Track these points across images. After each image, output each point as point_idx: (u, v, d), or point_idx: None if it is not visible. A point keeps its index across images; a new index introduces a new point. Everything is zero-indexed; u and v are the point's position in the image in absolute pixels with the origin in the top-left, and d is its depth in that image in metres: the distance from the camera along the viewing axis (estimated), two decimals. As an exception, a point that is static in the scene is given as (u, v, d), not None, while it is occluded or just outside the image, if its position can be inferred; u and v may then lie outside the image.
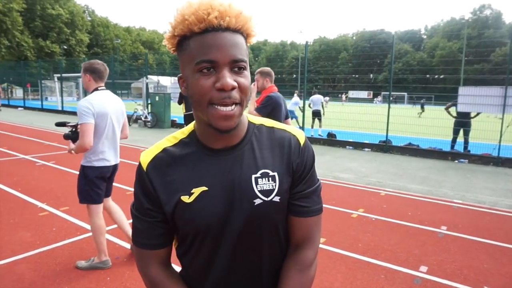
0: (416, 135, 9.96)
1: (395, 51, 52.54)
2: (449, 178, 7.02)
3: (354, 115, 11.50)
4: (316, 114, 12.73)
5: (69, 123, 3.18)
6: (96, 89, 3.03)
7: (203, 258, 0.93)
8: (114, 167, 3.21)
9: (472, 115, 9.38)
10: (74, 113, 19.44)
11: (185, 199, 0.87)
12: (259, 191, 0.88)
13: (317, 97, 12.98)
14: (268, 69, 4.17)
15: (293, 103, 13.61)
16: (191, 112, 9.59)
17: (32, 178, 6.09)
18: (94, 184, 3.04)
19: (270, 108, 3.92)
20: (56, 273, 3.05)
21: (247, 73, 0.83)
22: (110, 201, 3.38)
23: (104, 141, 3.02)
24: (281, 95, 4.08)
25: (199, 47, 0.79)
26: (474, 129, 9.37)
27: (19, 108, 23.18)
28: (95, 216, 3.09)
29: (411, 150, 9.74)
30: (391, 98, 10.50)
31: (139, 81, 19.95)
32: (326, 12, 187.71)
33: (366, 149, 10.30)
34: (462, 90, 9.19)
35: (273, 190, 0.89)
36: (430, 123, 10.00)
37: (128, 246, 3.60)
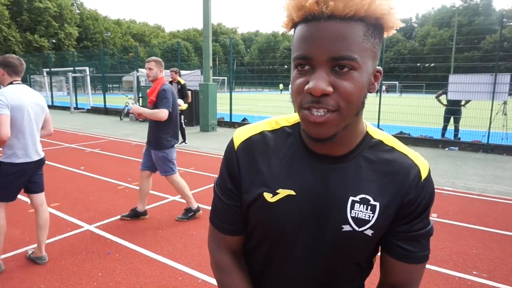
0: (408, 124, 10.01)
1: (387, 40, 52.50)
2: (439, 166, 7.09)
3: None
4: None
5: None
6: (11, 83, 2.95)
7: (263, 264, 0.86)
8: (37, 163, 3.04)
9: (463, 103, 9.44)
10: (64, 108, 19.23)
11: (268, 197, 0.79)
12: (352, 217, 0.76)
13: None
14: (160, 59, 4.05)
15: None
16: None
17: (22, 175, 6.02)
18: (8, 181, 2.90)
19: (171, 101, 3.90)
20: (47, 270, 3.03)
21: (356, 74, 0.65)
22: (40, 200, 3.17)
23: (22, 136, 2.90)
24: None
25: (297, 39, 0.67)
26: (464, 116, 9.44)
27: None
28: None
29: (403, 139, 9.78)
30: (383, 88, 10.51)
31: (130, 75, 19.76)
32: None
33: (358, 139, 10.33)
34: (452, 78, 9.23)
35: (369, 221, 0.76)
36: (421, 111, 10.05)
37: (123, 242, 3.59)
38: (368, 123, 0.83)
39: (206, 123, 11.41)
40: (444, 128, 9.68)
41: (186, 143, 9.04)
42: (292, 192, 0.78)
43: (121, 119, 14.84)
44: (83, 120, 14.76)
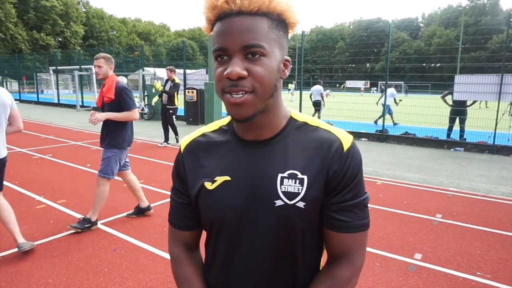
0: (413, 124, 9.97)
1: (392, 40, 52.26)
2: (444, 167, 7.07)
3: (351, 104, 11.49)
4: (316, 105, 12.60)
5: None
6: None
7: (220, 251, 0.90)
8: (1, 161, 2.99)
9: (468, 103, 9.39)
10: (70, 106, 19.35)
11: (208, 185, 0.87)
12: (282, 192, 0.82)
13: (316, 88, 12.72)
14: (110, 55, 3.88)
15: (389, 96, 11.97)
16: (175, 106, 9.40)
17: (29, 171, 6.10)
18: None
19: (133, 98, 3.82)
20: (54, 265, 3.08)
21: (266, 60, 0.75)
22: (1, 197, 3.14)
23: None
24: None
25: (215, 35, 0.77)
26: (470, 117, 9.40)
27: (15, 101, 23.04)
28: None
29: (408, 139, 9.77)
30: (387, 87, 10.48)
31: (135, 73, 19.85)
32: (323, 1, 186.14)
33: (363, 139, 10.33)
34: (458, 78, 9.18)
35: (298, 194, 0.81)
36: (427, 111, 10.01)
37: (129, 239, 3.63)
38: (292, 109, 0.92)
39: (211, 121, 11.44)
40: (450, 129, 9.64)
41: (177, 143, 9.09)
42: (227, 178, 0.86)
43: (126, 117, 14.88)
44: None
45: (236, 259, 0.88)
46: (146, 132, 10.83)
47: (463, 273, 3.06)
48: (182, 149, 0.95)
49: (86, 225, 3.78)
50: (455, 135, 9.55)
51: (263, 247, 0.85)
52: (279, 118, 0.86)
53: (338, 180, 0.82)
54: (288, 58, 0.84)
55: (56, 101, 20.95)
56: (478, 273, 3.08)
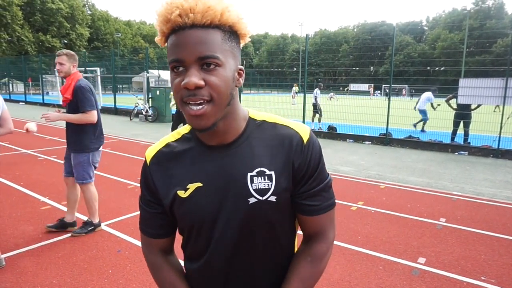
0: (417, 128, 9.94)
1: (396, 43, 52.16)
2: (448, 170, 7.04)
3: (355, 108, 11.49)
4: (314, 107, 12.57)
5: None
6: None
7: (199, 253, 0.94)
8: None
9: (473, 107, 9.36)
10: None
11: (181, 193, 0.90)
12: (254, 189, 0.87)
13: (314, 91, 12.67)
14: (73, 52, 3.65)
15: (424, 100, 11.98)
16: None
17: (34, 173, 6.14)
18: None
19: (93, 98, 3.57)
20: (59, 266, 3.10)
21: (221, 70, 0.78)
22: None
23: None
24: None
25: (170, 47, 0.79)
26: (474, 121, 9.36)
27: (21, 103, 23.22)
28: None
29: (411, 143, 9.75)
30: (392, 91, 10.47)
31: (140, 75, 19.96)
32: (327, 4, 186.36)
33: (367, 142, 10.31)
34: (462, 82, 9.16)
35: (269, 189, 0.87)
36: (431, 115, 9.98)
37: (133, 240, 3.64)
38: (251, 109, 0.95)
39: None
40: (454, 133, 9.61)
41: None
42: (199, 184, 0.89)
43: (130, 119, 14.98)
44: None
45: (213, 256, 0.92)
46: (150, 134, 10.87)
47: (467, 278, 3.05)
48: (148, 161, 0.96)
49: (89, 229, 3.76)
50: (459, 139, 9.52)
51: (241, 243, 0.90)
52: (238, 122, 0.90)
53: (304, 172, 0.90)
54: (242, 67, 0.87)
55: (61, 103, 21.05)
56: (483, 278, 3.06)
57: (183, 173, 0.91)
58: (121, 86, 36.76)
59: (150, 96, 14.88)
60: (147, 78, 15.53)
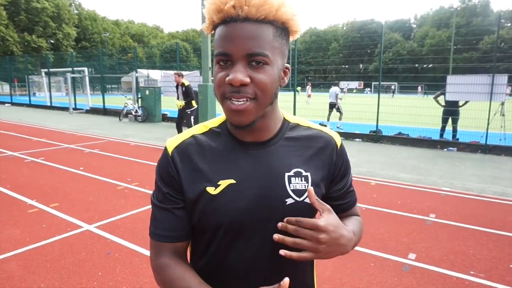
0: (406, 124, 10.03)
1: (385, 41, 52.50)
2: (438, 166, 7.12)
3: (346, 105, 11.54)
4: (332, 106, 12.59)
5: None
6: None
7: (225, 253, 0.88)
8: None
9: (460, 103, 9.47)
10: (63, 109, 19.21)
11: (211, 190, 0.83)
12: (292, 190, 0.85)
13: (332, 90, 12.76)
14: None
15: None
16: (194, 108, 9.52)
17: (21, 175, 6.03)
18: None
19: None
20: (47, 269, 3.04)
21: (268, 68, 0.76)
22: None
23: None
24: None
25: (218, 38, 0.76)
26: (462, 117, 9.48)
27: (6, 104, 22.83)
28: None
29: (401, 140, 9.83)
30: (381, 88, 10.55)
31: (128, 75, 19.76)
32: (316, 2, 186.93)
33: (357, 140, 10.37)
34: (450, 79, 9.26)
35: (306, 190, 0.85)
36: (420, 112, 10.07)
37: (123, 242, 3.60)
38: (285, 112, 0.95)
39: (206, 123, 11.42)
40: (443, 129, 9.72)
41: None
42: (232, 181, 0.84)
43: (120, 119, 14.83)
44: (82, 120, 14.75)
45: (245, 257, 0.86)
46: (140, 134, 10.78)
47: (456, 273, 3.08)
48: (170, 151, 0.87)
49: None
50: (448, 135, 9.63)
51: (273, 246, 0.82)
52: (275, 121, 0.88)
53: (338, 171, 0.94)
54: (288, 65, 0.85)
55: (48, 104, 20.77)
56: (472, 272, 3.09)
57: (213, 168, 0.85)
58: (110, 86, 36.38)
59: (139, 96, 14.75)
60: (136, 78, 15.39)
